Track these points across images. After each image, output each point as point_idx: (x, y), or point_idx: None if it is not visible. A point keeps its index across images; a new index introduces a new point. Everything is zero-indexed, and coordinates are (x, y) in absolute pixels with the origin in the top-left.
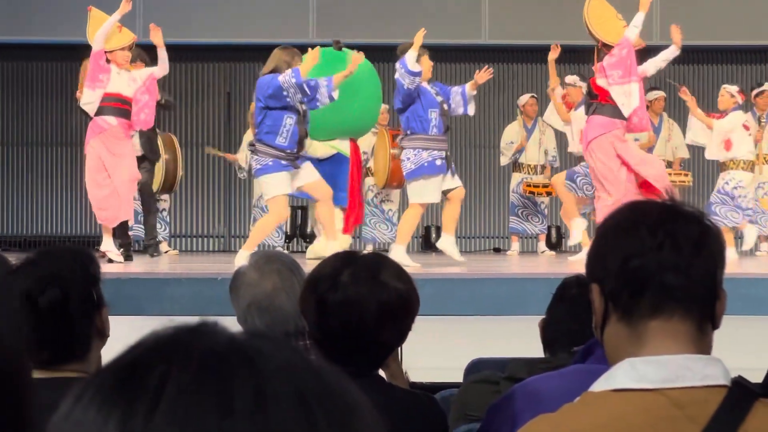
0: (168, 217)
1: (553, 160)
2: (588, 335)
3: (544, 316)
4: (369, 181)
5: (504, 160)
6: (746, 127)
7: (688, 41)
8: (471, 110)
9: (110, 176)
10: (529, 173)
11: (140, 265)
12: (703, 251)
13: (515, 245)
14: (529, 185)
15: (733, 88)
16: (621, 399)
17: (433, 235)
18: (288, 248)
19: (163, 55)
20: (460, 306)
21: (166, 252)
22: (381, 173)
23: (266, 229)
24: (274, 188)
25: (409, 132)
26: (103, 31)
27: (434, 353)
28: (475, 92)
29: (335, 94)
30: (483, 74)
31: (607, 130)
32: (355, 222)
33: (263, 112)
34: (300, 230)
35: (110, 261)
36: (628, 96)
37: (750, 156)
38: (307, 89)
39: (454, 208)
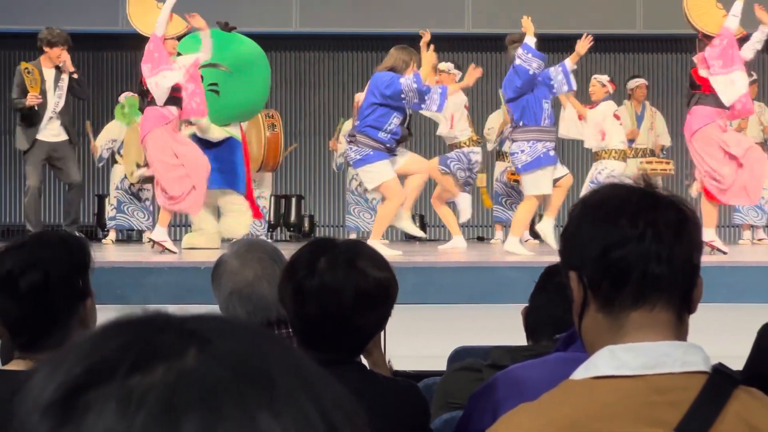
0: (152, 206)
1: None
2: (570, 323)
3: (526, 304)
4: (352, 170)
5: (489, 146)
6: (617, 117)
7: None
8: (574, 84)
9: (184, 165)
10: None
11: (124, 254)
12: (683, 238)
13: (499, 234)
14: (513, 174)
15: (604, 78)
16: (602, 386)
17: (417, 224)
18: (271, 237)
19: (207, 41)
20: (445, 294)
21: (149, 241)
22: None
23: (390, 214)
24: (380, 175)
25: (521, 123)
26: (164, 18)
27: (418, 341)
28: (575, 66)
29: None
30: (584, 42)
31: (712, 119)
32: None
33: (374, 107)
34: (284, 219)
35: (164, 251)
36: (731, 84)
37: (621, 146)
38: (424, 95)
39: (561, 194)
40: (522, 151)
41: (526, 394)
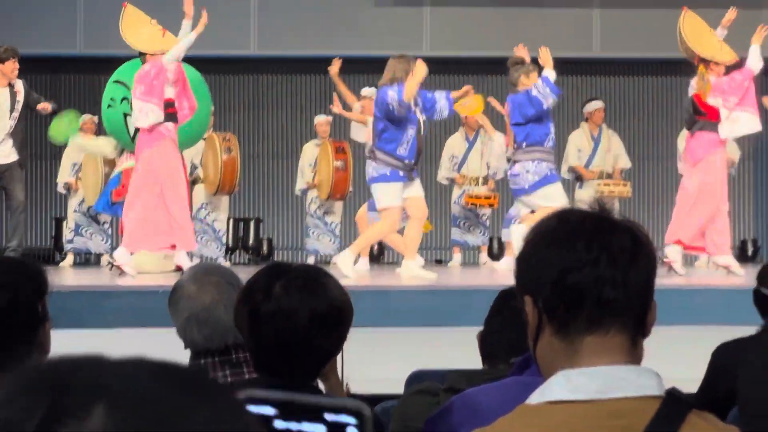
0: (110, 229)
1: (494, 173)
2: (526, 347)
3: (482, 328)
4: (312, 193)
5: (443, 172)
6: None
7: (629, 53)
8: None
9: (162, 193)
10: (470, 185)
11: (82, 278)
12: (637, 263)
13: (457, 257)
14: (470, 196)
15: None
16: (557, 411)
17: (375, 248)
18: (230, 260)
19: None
20: (403, 317)
21: (108, 264)
22: (325, 185)
23: (376, 236)
24: (388, 198)
25: (525, 144)
26: (180, 49)
27: (376, 365)
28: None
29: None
30: (546, 54)
31: (718, 147)
32: None
33: (383, 122)
34: (242, 242)
35: (122, 273)
36: (737, 123)
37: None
38: (415, 104)
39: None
40: (527, 171)
41: (482, 418)
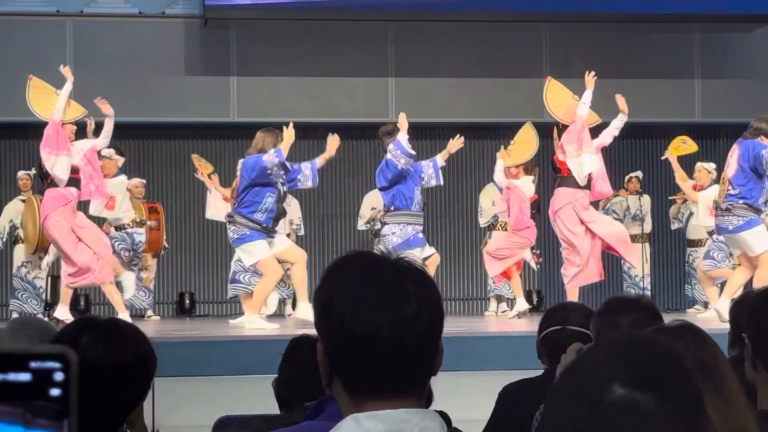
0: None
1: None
2: (320, 392)
3: (277, 375)
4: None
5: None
6: None
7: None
8: (441, 180)
9: (83, 239)
10: None
11: None
12: (425, 300)
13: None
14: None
15: (710, 165)
16: None
17: (187, 302)
18: (48, 315)
19: (108, 127)
20: (210, 366)
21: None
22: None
23: (267, 290)
24: (257, 253)
25: (392, 208)
26: (62, 103)
27: (186, 412)
28: (444, 163)
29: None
30: (456, 143)
31: (571, 199)
32: None
33: (247, 189)
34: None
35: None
36: (580, 166)
37: None
38: (289, 167)
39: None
40: (393, 233)
41: None
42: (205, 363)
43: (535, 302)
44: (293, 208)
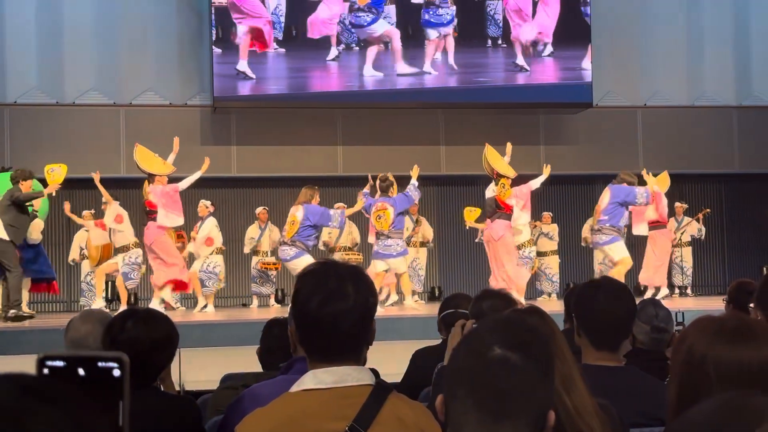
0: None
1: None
2: (289, 356)
3: (259, 346)
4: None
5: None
6: None
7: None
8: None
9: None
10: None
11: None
12: (359, 297)
13: (255, 302)
14: (264, 263)
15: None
16: (307, 395)
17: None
18: (108, 307)
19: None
20: (217, 339)
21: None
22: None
23: None
24: (302, 264)
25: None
26: (191, 181)
27: (202, 372)
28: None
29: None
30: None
31: (510, 230)
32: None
33: (308, 228)
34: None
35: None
36: (518, 217)
37: None
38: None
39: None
40: (398, 244)
41: (261, 403)
42: (215, 338)
43: (437, 294)
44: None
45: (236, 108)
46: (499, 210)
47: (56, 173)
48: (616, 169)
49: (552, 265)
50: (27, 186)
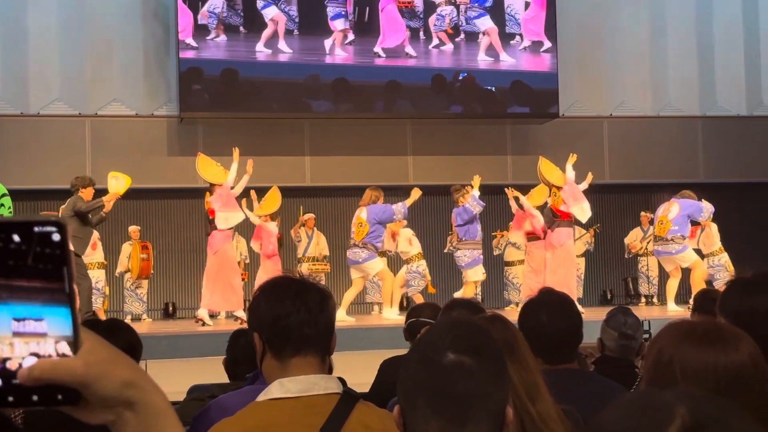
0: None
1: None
2: (255, 367)
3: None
4: (127, 275)
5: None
6: None
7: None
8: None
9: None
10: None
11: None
12: (324, 310)
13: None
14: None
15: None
16: (274, 404)
17: (170, 308)
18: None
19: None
20: (184, 351)
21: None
22: (135, 269)
23: (390, 287)
24: (378, 266)
25: (464, 239)
26: (233, 174)
27: (169, 382)
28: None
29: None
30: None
31: (571, 238)
32: None
33: (376, 227)
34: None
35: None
36: (584, 210)
37: None
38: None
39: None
40: (465, 255)
41: (229, 413)
42: (181, 349)
43: (405, 305)
44: (241, 243)
45: (202, 120)
46: (557, 218)
47: (118, 184)
48: (582, 179)
49: (519, 274)
50: (87, 193)
